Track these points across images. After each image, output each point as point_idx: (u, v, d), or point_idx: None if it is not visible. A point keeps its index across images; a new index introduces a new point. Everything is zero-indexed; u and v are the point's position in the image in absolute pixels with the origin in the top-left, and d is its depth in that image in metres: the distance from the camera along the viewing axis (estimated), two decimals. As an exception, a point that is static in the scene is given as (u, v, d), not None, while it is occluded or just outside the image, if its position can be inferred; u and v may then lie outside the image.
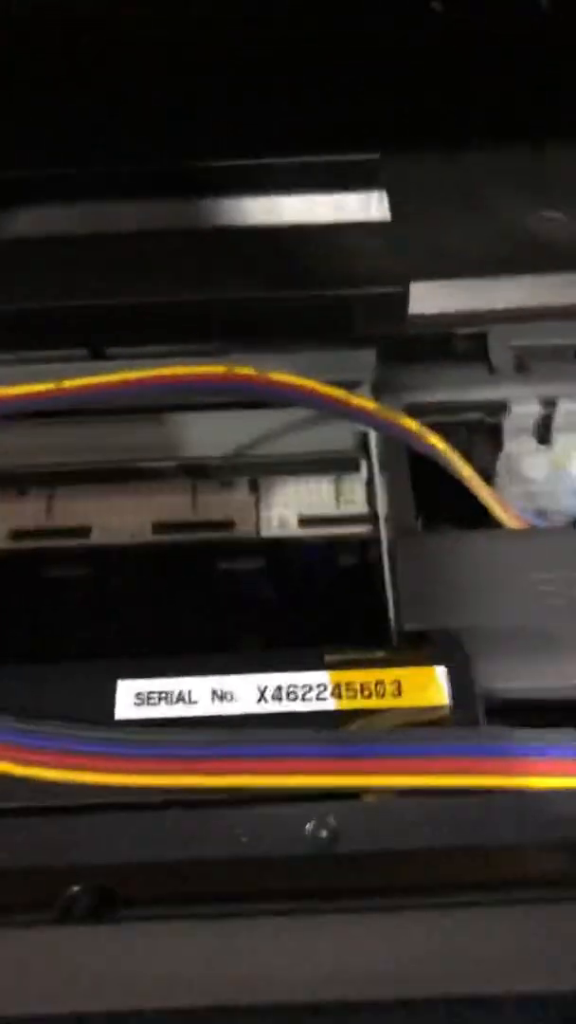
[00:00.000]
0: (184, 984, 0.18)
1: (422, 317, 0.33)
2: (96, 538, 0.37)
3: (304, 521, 0.37)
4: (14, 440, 0.37)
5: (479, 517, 0.32)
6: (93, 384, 0.32)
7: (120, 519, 0.37)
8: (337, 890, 0.20)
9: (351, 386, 0.32)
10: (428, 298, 0.33)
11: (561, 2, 0.41)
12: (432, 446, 0.30)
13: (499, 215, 0.35)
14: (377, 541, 0.33)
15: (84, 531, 0.37)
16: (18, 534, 0.37)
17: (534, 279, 0.33)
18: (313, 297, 0.33)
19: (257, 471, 0.37)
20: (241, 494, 0.37)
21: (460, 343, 0.34)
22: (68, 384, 0.32)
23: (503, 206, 0.35)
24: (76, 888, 0.20)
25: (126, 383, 0.32)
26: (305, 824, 0.20)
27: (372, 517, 0.35)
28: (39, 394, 0.33)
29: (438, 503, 0.32)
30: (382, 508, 0.33)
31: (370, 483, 0.35)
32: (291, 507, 0.37)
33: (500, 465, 0.33)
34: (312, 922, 0.19)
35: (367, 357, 0.34)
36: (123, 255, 0.36)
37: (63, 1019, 0.18)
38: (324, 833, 0.20)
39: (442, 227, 0.35)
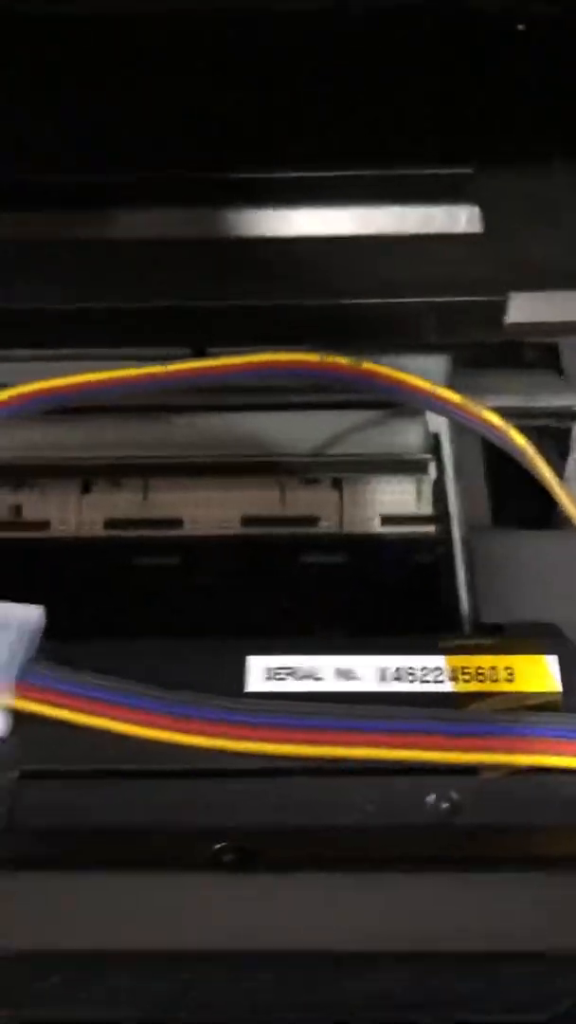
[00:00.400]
0: (314, 928, 0.20)
1: (516, 326, 0.34)
2: (188, 530, 0.39)
3: (386, 519, 0.38)
4: (109, 434, 0.39)
5: (542, 520, 0.33)
6: (195, 368, 0.33)
7: (210, 512, 0.39)
8: (455, 860, 0.22)
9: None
10: (521, 308, 0.34)
11: None
12: (514, 442, 0.31)
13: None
14: (447, 540, 0.35)
15: (176, 523, 0.39)
16: (113, 523, 0.39)
17: None
18: (410, 304, 0.35)
19: (339, 470, 0.39)
20: (325, 491, 0.39)
21: (530, 352, 0.35)
22: (172, 368, 0.33)
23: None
24: (219, 846, 0.21)
25: (227, 367, 0.33)
26: (426, 796, 0.22)
27: (441, 517, 0.36)
28: (142, 377, 0.34)
29: (503, 505, 0.33)
30: (454, 507, 0.34)
31: (438, 484, 0.37)
32: (373, 505, 0.39)
33: (569, 470, 0.34)
34: (433, 879, 0.21)
35: (441, 363, 0.35)
36: (224, 259, 0.37)
37: (209, 954, 0.19)
38: (446, 805, 0.22)
39: (534, 241, 0.36)
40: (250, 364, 0.33)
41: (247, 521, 0.39)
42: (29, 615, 0.25)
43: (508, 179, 0.38)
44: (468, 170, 0.39)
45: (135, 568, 0.39)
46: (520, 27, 0.45)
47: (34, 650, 0.25)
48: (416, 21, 0.42)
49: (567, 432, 0.34)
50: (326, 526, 0.38)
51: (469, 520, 0.32)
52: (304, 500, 0.39)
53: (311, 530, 0.38)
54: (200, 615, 0.37)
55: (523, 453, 0.31)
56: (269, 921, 0.20)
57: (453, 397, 0.32)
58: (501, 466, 0.33)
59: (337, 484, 0.39)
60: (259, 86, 0.41)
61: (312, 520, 0.39)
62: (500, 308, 0.34)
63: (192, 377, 0.33)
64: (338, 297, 0.36)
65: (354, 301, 0.35)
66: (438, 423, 0.37)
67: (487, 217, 0.37)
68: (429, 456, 0.37)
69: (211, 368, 0.33)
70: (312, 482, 0.39)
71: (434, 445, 0.37)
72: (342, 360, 0.32)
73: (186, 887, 0.20)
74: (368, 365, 0.32)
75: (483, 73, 0.42)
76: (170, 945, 0.20)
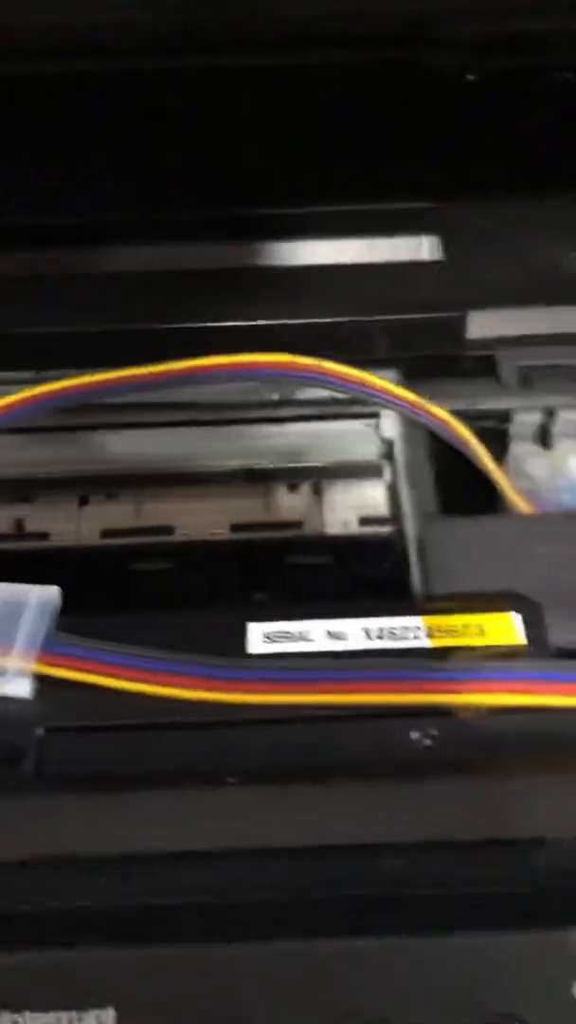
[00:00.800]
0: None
1: (473, 341, 0.38)
2: (179, 537, 0.42)
3: (364, 520, 0.41)
4: (101, 449, 0.42)
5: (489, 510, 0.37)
6: (170, 370, 0.37)
7: (200, 520, 0.42)
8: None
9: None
10: (476, 324, 0.38)
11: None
12: (458, 434, 0.36)
13: (540, 255, 0.41)
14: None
15: (168, 529, 0.42)
16: (108, 533, 0.42)
17: (559, 309, 0.39)
18: (369, 322, 0.39)
19: (312, 475, 0.42)
20: (306, 497, 0.42)
21: (470, 363, 0.39)
22: (146, 370, 0.36)
23: (544, 248, 0.41)
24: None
25: (199, 368, 0.36)
26: (411, 733, 0.25)
27: (396, 516, 0.39)
28: (135, 377, 0.37)
29: (451, 500, 0.36)
30: (407, 502, 0.37)
31: (393, 486, 0.40)
32: (351, 508, 0.42)
33: (507, 466, 0.38)
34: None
35: (390, 375, 0.39)
36: (216, 287, 0.41)
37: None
38: (428, 741, 0.25)
39: (489, 266, 0.40)
40: (219, 365, 0.36)
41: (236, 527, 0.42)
42: (48, 593, 0.28)
43: (465, 212, 0.42)
44: (429, 204, 0.43)
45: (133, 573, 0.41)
46: (470, 78, 0.50)
47: (54, 624, 0.28)
48: (383, 79, 0.47)
49: (506, 432, 0.38)
50: (310, 529, 0.42)
51: (420, 513, 0.35)
52: (287, 505, 0.42)
53: (296, 533, 0.41)
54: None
55: (466, 443, 0.36)
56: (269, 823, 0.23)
57: (407, 395, 0.36)
58: (449, 464, 0.37)
59: (317, 489, 0.42)
60: (244, 138, 0.46)
61: (296, 524, 0.42)
62: (460, 324, 0.38)
63: (162, 379, 0.36)
64: (311, 317, 0.39)
65: (323, 320, 0.39)
66: (392, 430, 0.40)
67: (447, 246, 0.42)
68: (381, 462, 0.40)
69: (183, 370, 0.37)
70: (293, 489, 0.42)
71: (387, 451, 0.41)
72: (311, 361, 0.36)
73: (198, 800, 0.23)
74: (332, 365, 0.36)
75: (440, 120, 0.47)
76: (186, 846, 0.23)
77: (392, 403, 0.37)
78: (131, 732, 0.26)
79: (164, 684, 0.26)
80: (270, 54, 0.46)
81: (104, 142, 0.46)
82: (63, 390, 0.36)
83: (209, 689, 0.26)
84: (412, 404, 0.36)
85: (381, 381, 0.36)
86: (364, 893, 0.22)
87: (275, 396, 0.41)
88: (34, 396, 0.35)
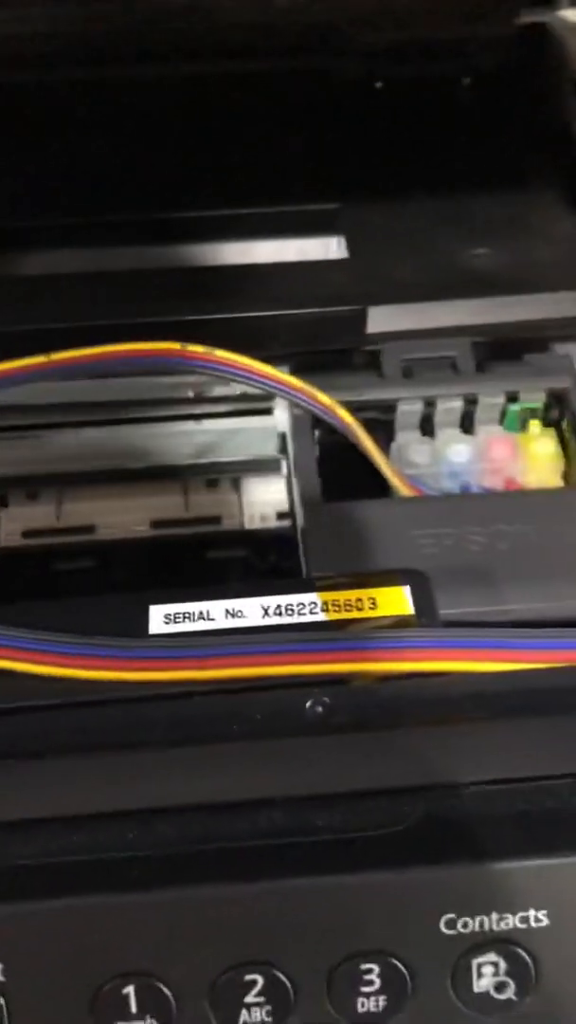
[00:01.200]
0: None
1: (375, 335, 0.40)
2: (100, 535, 0.42)
3: (281, 515, 0.43)
4: (22, 451, 0.43)
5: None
6: (67, 358, 0.37)
7: (121, 518, 0.43)
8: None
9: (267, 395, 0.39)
10: (378, 319, 0.40)
11: (479, 80, 0.50)
12: (342, 419, 0.37)
13: (438, 252, 0.42)
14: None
15: (89, 529, 0.43)
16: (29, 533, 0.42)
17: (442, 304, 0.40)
18: (284, 316, 0.40)
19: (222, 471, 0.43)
20: (225, 493, 0.43)
21: (358, 356, 0.40)
22: (44, 358, 0.37)
23: (442, 245, 0.43)
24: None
25: (95, 356, 0.37)
26: (305, 703, 0.26)
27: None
28: (30, 367, 0.37)
29: (344, 488, 0.38)
30: (296, 492, 0.38)
31: (289, 478, 0.41)
32: (269, 504, 0.43)
33: (392, 454, 0.39)
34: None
35: (284, 368, 0.40)
36: (137, 287, 0.42)
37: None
38: (320, 709, 0.26)
39: (391, 263, 0.42)
40: (118, 352, 0.37)
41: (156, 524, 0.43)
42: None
43: (369, 212, 0.44)
44: (335, 206, 0.45)
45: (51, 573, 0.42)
46: (378, 85, 0.52)
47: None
48: (293, 87, 0.49)
49: (391, 423, 0.39)
50: (229, 524, 0.43)
51: (305, 496, 0.36)
52: (207, 503, 0.43)
53: (215, 528, 0.42)
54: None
55: (349, 428, 0.37)
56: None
57: (294, 381, 0.37)
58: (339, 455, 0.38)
59: (236, 486, 0.43)
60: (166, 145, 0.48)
61: (215, 519, 0.43)
62: (361, 318, 0.39)
63: (76, 365, 0.37)
64: (217, 313, 0.41)
65: (227, 316, 0.40)
66: (284, 423, 0.41)
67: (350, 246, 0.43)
68: (279, 456, 0.42)
69: (90, 356, 0.37)
70: (212, 485, 0.43)
71: (282, 446, 0.42)
72: (199, 348, 0.37)
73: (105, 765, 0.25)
74: (222, 353, 0.37)
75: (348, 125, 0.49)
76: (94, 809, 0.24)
77: (280, 390, 0.38)
78: (41, 712, 0.26)
79: (71, 667, 0.27)
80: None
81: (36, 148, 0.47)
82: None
83: (113, 669, 0.27)
84: (298, 390, 0.37)
85: (269, 368, 0.37)
86: (249, 844, 0.23)
87: (190, 393, 0.42)
88: None
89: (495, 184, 0.45)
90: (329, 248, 0.46)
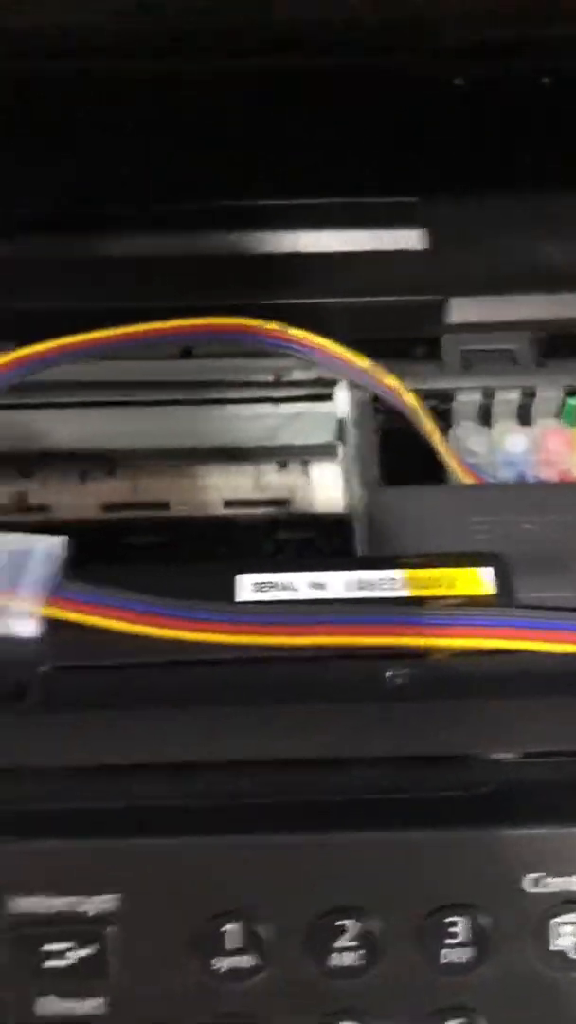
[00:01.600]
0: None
1: (456, 325, 0.41)
2: (175, 511, 0.44)
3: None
4: (101, 426, 0.44)
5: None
6: (135, 332, 0.38)
7: (198, 496, 0.44)
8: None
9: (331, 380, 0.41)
10: (458, 310, 0.41)
11: (560, 80, 0.50)
12: (404, 401, 0.38)
13: (514, 248, 0.43)
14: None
15: (163, 505, 0.44)
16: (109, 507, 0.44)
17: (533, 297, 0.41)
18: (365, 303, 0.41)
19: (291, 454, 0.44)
20: (296, 475, 0.45)
21: (419, 347, 0.41)
22: (126, 330, 0.38)
23: (518, 239, 0.44)
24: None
25: (174, 329, 0.38)
26: (386, 672, 0.27)
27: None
28: (87, 342, 0.38)
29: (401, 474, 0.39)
30: (354, 475, 0.39)
31: (347, 462, 0.42)
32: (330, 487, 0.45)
33: (449, 442, 0.40)
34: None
35: None
36: (216, 273, 0.44)
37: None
38: (400, 680, 0.27)
39: (472, 256, 0.43)
40: (198, 326, 0.39)
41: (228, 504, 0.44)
42: (53, 543, 0.30)
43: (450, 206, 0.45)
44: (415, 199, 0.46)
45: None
46: (458, 82, 0.53)
47: (59, 571, 0.30)
48: (374, 83, 0.50)
49: (449, 412, 0.41)
50: (297, 507, 0.44)
51: (366, 480, 0.37)
52: (277, 484, 0.44)
53: (285, 511, 0.44)
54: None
55: (412, 411, 0.38)
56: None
57: (362, 362, 0.38)
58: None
59: (306, 469, 0.44)
60: (248, 137, 0.49)
61: (285, 501, 0.44)
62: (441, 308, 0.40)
63: (140, 338, 0.38)
64: (301, 298, 0.42)
65: (307, 301, 0.42)
66: (344, 410, 0.42)
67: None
68: (336, 442, 0.43)
69: (157, 331, 0.39)
70: (283, 467, 0.45)
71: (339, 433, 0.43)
72: (274, 325, 0.38)
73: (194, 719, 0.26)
74: (296, 331, 0.38)
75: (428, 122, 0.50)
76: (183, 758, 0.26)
77: (349, 371, 0.39)
78: (133, 670, 0.28)
79: (159, 626, 0.28)
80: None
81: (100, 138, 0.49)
82: (47, 351, 0.38)
83: (199, 631, 0.28)
84: (364, 370, 0.38)
85: (339, 347, 0.38)
86: (347, 799, 0.24)
87: (269, 377, 0.43)
88: (14, 360, 0.37)
89: (571, 183, 0.46)
90: (408, 240, 0.47)
